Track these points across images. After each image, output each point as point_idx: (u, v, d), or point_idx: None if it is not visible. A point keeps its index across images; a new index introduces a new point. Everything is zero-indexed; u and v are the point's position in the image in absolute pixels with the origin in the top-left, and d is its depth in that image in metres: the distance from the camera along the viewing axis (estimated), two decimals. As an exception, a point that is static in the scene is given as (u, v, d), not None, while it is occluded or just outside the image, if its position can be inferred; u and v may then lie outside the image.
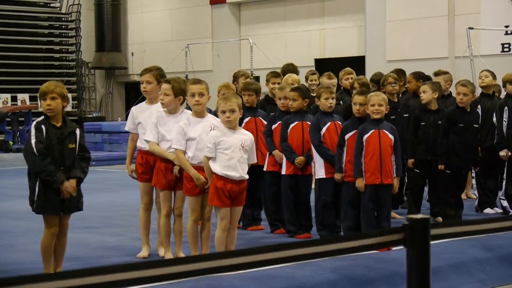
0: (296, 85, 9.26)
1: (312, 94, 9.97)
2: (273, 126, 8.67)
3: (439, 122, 9.27)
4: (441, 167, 9.15)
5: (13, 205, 10.99)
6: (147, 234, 7.51)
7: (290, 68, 10.64)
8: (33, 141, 6.21)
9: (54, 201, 6.27)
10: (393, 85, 9.74)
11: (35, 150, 6.18)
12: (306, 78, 11.26)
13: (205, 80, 7.14)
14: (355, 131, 7.88)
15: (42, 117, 6.36)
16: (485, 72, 10.32)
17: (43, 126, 6.26)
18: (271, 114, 8.92)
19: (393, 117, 9.09)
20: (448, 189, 9.20)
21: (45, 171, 6.18)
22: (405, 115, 9.67)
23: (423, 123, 9.41)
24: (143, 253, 7.46)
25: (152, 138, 7.12)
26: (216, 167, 6.63)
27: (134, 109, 7.59)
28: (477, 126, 9.32)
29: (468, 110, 9.23)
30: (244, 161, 6.69)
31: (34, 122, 6.37)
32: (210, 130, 6.76)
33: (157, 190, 7.36)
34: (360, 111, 7.96)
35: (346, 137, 7.94)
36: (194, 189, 6.86)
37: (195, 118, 6.93)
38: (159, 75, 7.49)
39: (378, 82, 10.09)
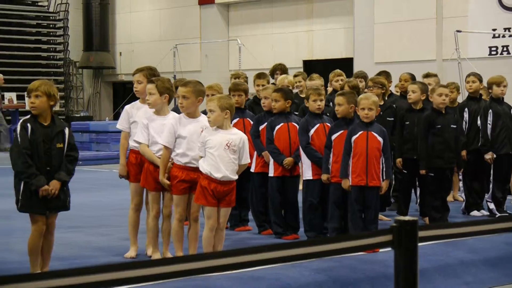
0: (290, 87, 9.31)
1: (301, 95, 9.98)
2: (261, 127, 8.65)
3: None
4: (422, 171, 9.11)
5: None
6: (135, 235, 7.48)
7: (281, 68, 10.62)
8: (18, 140, 6.19)
9: (40, 200, 6.24)
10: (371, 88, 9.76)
11: (18, 150, 6.16)
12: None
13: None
14: (341, 131, 7.89)
15: (30, 115, 6.34)
16: (472, 77, 10.26)
17: (28, 125, 6.23)
18: (258, 114, 8.90)
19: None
20: (433, 192, 9.16)
21: (24, 172, 6.15)
22: (388, 119, 9.64)
23: (408, 123, 9.45)
24: (131, 253, 7.43)
25: (143, 139, 7.09)
26: (204, 165, 6.65)
27: (128, 108, 7.52)
28: (455, 126, 9.24)
29: (443, 112, 9.20)
30: (230, 160, 6.66)
31: (21, 120, 6.35)
32: (201, 131, 6.77)
33: (147, 191, 7.34)
34: (339, 111, 7.97)
35: (333, 138, 7.95)
36: (181, 185, 6.86)
37: (186, 118, 6.93)
38: (149, 74, 7.46)
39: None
